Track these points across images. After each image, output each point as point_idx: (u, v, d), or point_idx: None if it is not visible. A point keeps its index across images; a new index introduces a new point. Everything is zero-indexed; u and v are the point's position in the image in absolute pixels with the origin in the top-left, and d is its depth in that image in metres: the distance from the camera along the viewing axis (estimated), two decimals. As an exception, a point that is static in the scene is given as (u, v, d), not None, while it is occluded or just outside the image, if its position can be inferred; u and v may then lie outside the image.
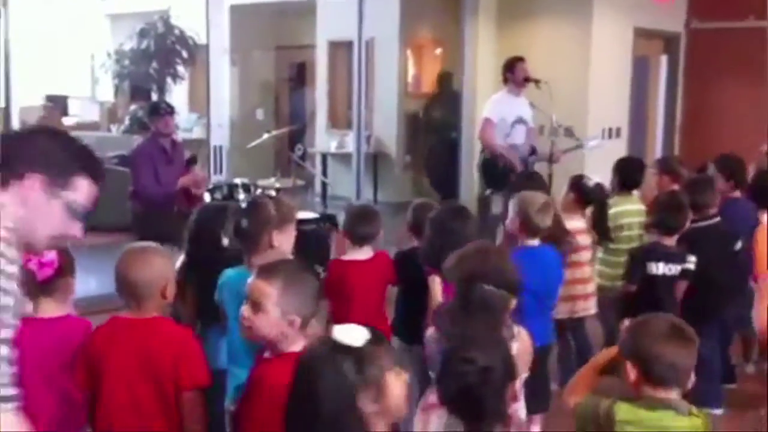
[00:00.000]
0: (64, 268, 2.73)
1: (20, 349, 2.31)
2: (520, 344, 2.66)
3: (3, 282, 1.71)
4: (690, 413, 2.25)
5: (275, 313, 2.25)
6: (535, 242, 3.73)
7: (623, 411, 2.22)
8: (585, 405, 2.33)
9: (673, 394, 2.23)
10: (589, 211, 4.64)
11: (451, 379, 2.10)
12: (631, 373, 2.24)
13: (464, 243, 3.48)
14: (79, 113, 13.39)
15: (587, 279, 4.49)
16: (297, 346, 2.27)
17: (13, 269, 1.75)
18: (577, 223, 4.41)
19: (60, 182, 1.87)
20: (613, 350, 2.42)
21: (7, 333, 1.73)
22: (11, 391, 1.72)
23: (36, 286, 2.66)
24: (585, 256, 4.49)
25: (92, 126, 12.72)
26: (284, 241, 3.17)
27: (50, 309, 2.71)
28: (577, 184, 4.52)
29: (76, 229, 1.92)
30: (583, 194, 4.49)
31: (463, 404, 2.08)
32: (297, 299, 2.28)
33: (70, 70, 13.71)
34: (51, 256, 2.68)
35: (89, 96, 14.03)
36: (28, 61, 11.61)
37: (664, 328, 2.26)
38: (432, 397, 2.57)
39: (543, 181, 4.70)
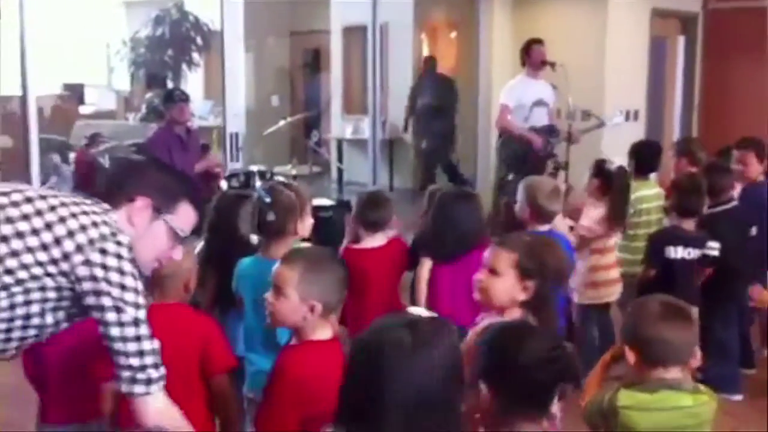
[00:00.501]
0: None
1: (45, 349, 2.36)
2: None
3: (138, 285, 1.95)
4: (695, 390, 2.23)
5: (295, 297, 2.26)
6: (545, 227, 3.71)
7: (624, 397, 2.21)
8: (591, 401, 2.32)
9: (674, 373, 2.20)
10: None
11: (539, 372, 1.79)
12: (630, 356, 2.23)
13: (464, 228, 3.49)
14: (96, 102, 13.45)
15: (611, 265, 4.42)
16: (322, 333, 2.29)
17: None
18: (601, 211, 4.35)
19: (166, 206, 2.07)
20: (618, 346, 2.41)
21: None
22: (163, 371, 2.00)
23: None
24: (609, 242, 4.42)
25: (109, 114, 12.79)
26: (304, 229, 3.19)
27: None
28: (600, 168, 4.38)
29: (176, 251, 2.13)
30: (607, 179, 4.36)
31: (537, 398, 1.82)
32: (318, 285, 2.29)
33: (86, 58, 13.76)
34: None
35: (105, 84, 14.08)
36: (45, 49, 11.68)
37: (657, 307, 2.25)
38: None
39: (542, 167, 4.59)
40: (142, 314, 1.94)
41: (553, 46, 7.14)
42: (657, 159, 4.98)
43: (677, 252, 4.09)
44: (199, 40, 11.56)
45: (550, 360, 1.77)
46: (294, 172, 5.96)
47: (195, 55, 11.70)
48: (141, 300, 1.94)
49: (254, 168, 5.72)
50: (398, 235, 3.89)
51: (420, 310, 1.75)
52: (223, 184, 5.58)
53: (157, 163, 2.21)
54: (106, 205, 2.01)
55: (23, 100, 5.65)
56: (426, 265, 3.61)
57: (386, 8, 8.46)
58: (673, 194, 4.20)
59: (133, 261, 1.94)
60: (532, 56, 6.85)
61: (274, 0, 11.44)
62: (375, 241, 3.79)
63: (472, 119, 9.05)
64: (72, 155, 8.27)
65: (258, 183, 5.45)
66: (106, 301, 1.89)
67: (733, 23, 9.30)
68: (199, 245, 3.36)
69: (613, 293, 4.45)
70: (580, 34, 8.41)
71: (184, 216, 2.11)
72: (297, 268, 2.30)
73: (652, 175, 5.15)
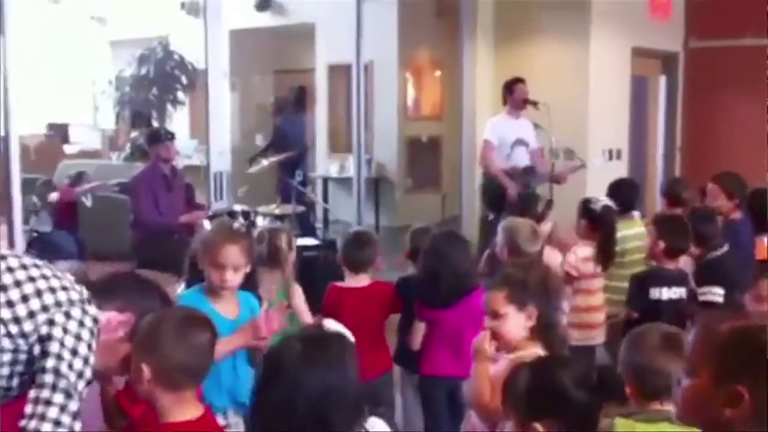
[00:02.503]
0: None
1: None
2: None
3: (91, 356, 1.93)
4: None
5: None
6: None
7: (621, 425, 2.17)
8: None
9: (671, 406, 2.16)
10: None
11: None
12: (628, 386, 2.21)
13: (459, 271, 3.49)
14: (81, 141, 13.42)
15: (598, 307, 4.41)
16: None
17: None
18: (587, 250, 4.35)
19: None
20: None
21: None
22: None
23: None
24: (596, 283, 4.41)
25: (94, 154, 12.75)
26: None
27: None
28: (586, 208, 4.42)
29: (119, 382, 2.17)
30: (593, 219, 4.39)
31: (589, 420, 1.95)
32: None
33: (71, 97, 13.76)
34: None
35: (91, 123, 14.06)
36: (30, 88, 11.67)
37: (656, 338, 2.23)
38: (474, 420, 2.54)
39: (534, 204, 4.63)
40: (81, 386, 1.90)
41: (535, 85, 7.20)
42: (634, 196, 4.99)
43: (662, 293, 4.05)
44: (183, 79, 11.58)
45: (592, 381, 1.91)
46: (278, 211, 5.94)
47: (180, 94, 11.71)
48: (88, 373, 1.91)
49: (237, 208, 5.69)
50: (380, 275, 3.88)
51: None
52: (206, 224, 5.54)
53: (159, 291, 2.26)
54: (82, 287, 2.02)
55: (5, 140, 5.60)
56: (420, 330, 3.60)
57: (371, 47, 8.51)
58: (656, 234, 4.18)
59: (94, 335, 1.94)
60: (514, 95, 6.90)
61: (259, 38, 11.49)
62: (359, 281, 3.79)
63: (457, 157, 9.08)
64: (53, 195, 8.22)
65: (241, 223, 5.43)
66: (49, 363, 1.86)
67: (713, 62, 9.41)
68: (181, 286, 3.33)
69: (598, 336, 4.43)
70: (562, 73, 8.48)
71: None
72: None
73: (637, 214, 5.17)
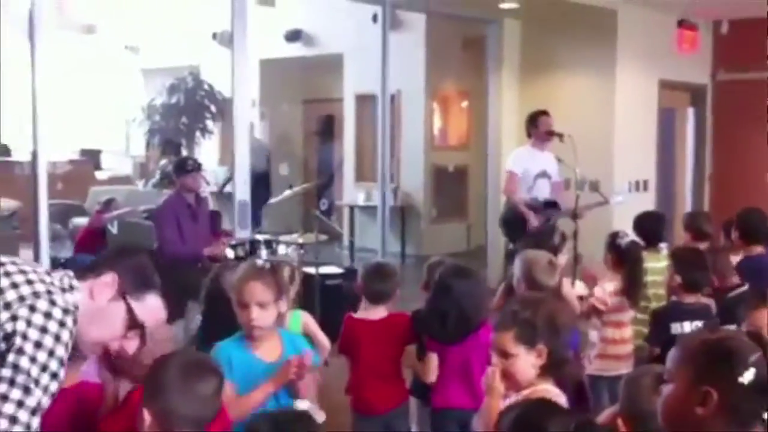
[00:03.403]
0: None
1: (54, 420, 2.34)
2: None
3: (59, 350, 1.81)
4: None
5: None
6: None
7: None
8: None
9: None
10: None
11: None
12: (623, 428, 2.19)
13: (464, 305, 3.47)
14: (113, 167, 13.63)
15: (627, 339, 4.36)
16: None
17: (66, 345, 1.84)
18: (615, 284, 4.31)
19: (133, 291, 1.98)
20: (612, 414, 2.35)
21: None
22: None
23: None
24: (625, 316, 4.35)
25: (125, 180, 12.93)
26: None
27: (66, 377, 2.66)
28: (613, 243, 4.40)
29: (130, 344, 1.98)
30: (620, 254, 4.36)
31: None
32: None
33: (104, 124, 14.00)
34: None
35: (122, 150, 14.29)
36: (62, 115, 11.88)
37: (650, 381, 2.19)
38: None
39: (550, 237, 4.60)
40: (45, 379, 1.80)
41: (561, 117, 7.20)
42: (660, 229, 4.95)
43: (683, 327, 4.01)
44: (213, 108, 11.73)
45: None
46: (300, 240, 5.97)
47: (209, 123, 11.86)
48: (54, 366, 1.80)
49: (260, 237, 5.72)
50: (403, 305, 3.88)
51: (305, 404, 2.01)
52: (229, 253, 5.58)
53: (148, 251, 2.13)
54: (64, 273, 1.94)
55: (33, 164, 5.70)
56: (434, 361, 3.59)
57: (398, 77, 8.58)
58: (674, 268, 4.13)
59: (64, 326, 1.84)
60: (538, 127, 6.91)
61: (289, 68, 11.63)
62: (376, 313, 3.78)
63: (483, 186, 9.08)
64: (76, 221, 8.35)
65: (263, 252, 5.47)
66: (9, 357, 1.77)
67: (741, 94, 9.34)
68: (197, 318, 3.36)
69: (626, 367, 4.39)
70: (588, 105, 8.48)
71: (150, 308, 2.01)
72: None
73: (665, 247, 5.11)
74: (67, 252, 8.33)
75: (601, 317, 4.26)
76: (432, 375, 3.58)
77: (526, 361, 2.50)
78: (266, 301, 2.80)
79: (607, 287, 4.29)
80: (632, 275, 4.31)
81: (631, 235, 4.50)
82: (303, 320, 3.81)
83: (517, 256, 3.83)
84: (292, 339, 2.96)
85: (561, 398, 2.49)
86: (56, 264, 7.81)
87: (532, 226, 6.36)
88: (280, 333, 2.92)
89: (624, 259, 4.33)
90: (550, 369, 2.52)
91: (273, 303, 2.82)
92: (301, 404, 1.97)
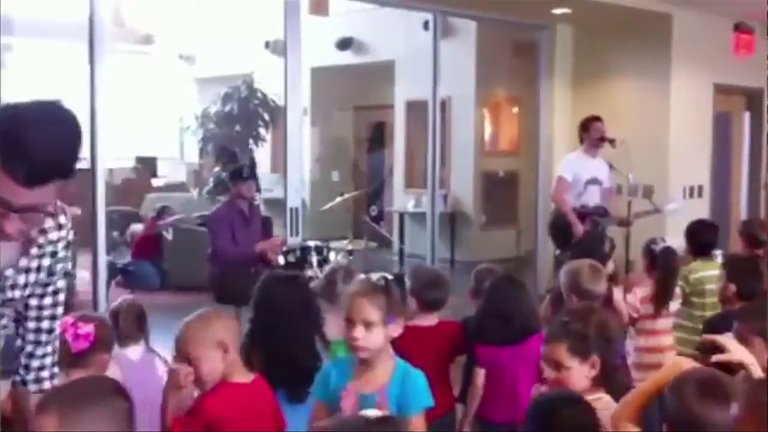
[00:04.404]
0: (101, 343, 2.69)
1: None
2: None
3: None
4: None
5: None
6: None
7: None
8: None
9: None
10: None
11: None
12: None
13: (516, 311, 3.48)
14: (168, 174, 13.89)
15: (663, 348, 4.28)
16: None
17: None
18: (648, 290, 4.26)
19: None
20: (672, 371, 2.30)
21: None
22: None
23: (70, 357, 2.61)
24: (660, 324, 4.29)
25: (179, 187, 13.16)
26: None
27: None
28: (647, 249, 4.36)
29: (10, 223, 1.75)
30: (653, 260, 4.30)
31: None
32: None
33: (160, 132, 14.29)
34: (88, 328, 2.66)
35: (177, 157, 14.56)
36: (120, 124, 12.15)
37: (693, 386, 2.14)
38: None
39: (600, 245, 4.57)
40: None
41: (615, 122, 7.15)
42: (712, 237, 4.86)
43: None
44: (266, 116, 11.88)
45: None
46: (350, 247, 6.02)
47: (262, 131, 12.01)
48: None
49: (311, 243, 5.79)
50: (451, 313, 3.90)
51: (374, 413, 1.87)
52: (281, 259, 5.65)
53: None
54: None
55: (92, 173, 5.84)
56: (481, 376, 3.61)
57: (449, 84, 8.60)
58: (727, 277, 4.07)
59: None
60: (590, 133, 6.87)
61: (340, 75, 11.73)
62: (428, 320, 3.79)
63: (533, 193, 9.04)
64: (139, 227, 8.53)
65: (314, 258, 5.53)
66: None
67: (800, 98, 9.16)
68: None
69: None
70: (642, 110, 8.40)
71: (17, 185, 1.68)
72: None
73: (719, 254, 5.03)
74: (124, 258, 8.52)
75: (635, 325, 4.22)
76: (478, 391, 3.59)
77: (580, 373, 2.52)
78: (373, 320, 2.59)
79: (638, 293, 4.25)
80: (663, 281, 4.25)
81: (668, 242, 4.44)
82: None
83: (562, 269, 3.82)
84: (407, 371, 2.69)
85: (613, 406, 2.49)
86: (116, 271, 8.02)
87: (577, 234, 6.33)
88: (397, 363, 2.69)
89: (656, 266, 4.27)
90: (603, 378, 2.53)
91: (380, 324, 2.59)
92: (370, 412, 1.92)
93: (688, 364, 2.34)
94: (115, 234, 8.48)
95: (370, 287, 2.66)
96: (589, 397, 2.48)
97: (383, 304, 2.61)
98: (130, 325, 3.34)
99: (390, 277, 2.73)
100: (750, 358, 2.48)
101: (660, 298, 4.22)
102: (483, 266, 4.09)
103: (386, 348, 2.66)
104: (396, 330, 2.67)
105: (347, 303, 2.63)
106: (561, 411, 2.19)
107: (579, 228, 6.45)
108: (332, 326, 3.62)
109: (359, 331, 2.57)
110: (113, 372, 3.22)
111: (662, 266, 4.25)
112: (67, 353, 2.61)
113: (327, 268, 3.94)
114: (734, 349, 2.44)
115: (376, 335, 2.59)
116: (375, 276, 2.76)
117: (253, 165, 7.33)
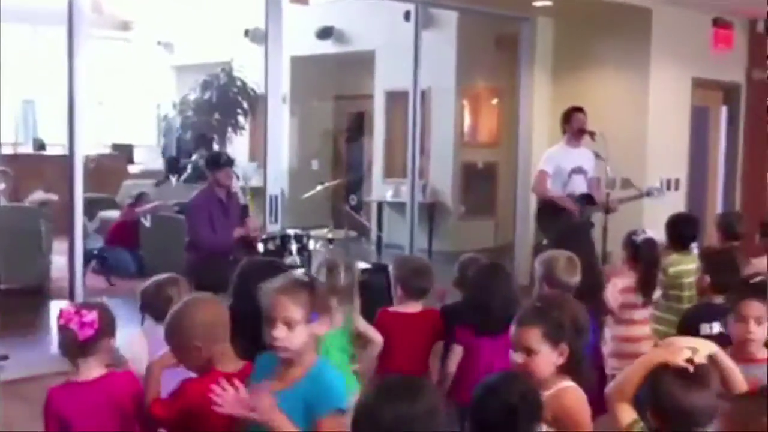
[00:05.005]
0: (106, 328, 2.74)
1: (67, 416, 2.44)
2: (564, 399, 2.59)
3: None
4: None
5: None
6: None
7: None
8: None
9: None
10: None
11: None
12: (654, 421, 2.21)
13: (499, 300, 3.52)
14: (144, 161, 13.78)
15: (640, 338, 4.32)
16: None
17: None
18: (627, 281, 4.30)
19: None
20: (668, 354, 2.34)
21: None
22: None
23: (77, 346, 2.69)
24: (639, 314, 4.34)
25: (157, 174, 13.06)
26: None
27: (91, 370, 2.73)
28: (629, 240, 4.38)
29: None
30: (635, 251, 4.34)
31: None
32: None
33: (137, 119, 14.18)
34: (92, 315, 2.71)
35: (155, 145, 14.44)
36: (98, 110, 12.03)
37: (671, 377, 2.20)
38: None
39: (583, 233, 4.61)
40: None
41: (594, 114, 7.18)
42: (692, 231, 4.90)
43: (713, 328, 3.98)
44: (245, 104, 11.83)
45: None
46: (330, 236, 6.02)
47: (241, 119, 11.96)
48: None
49: (290, 231, 5.78)
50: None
51: None
52: (260, 247, 5.64)
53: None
54: None
55: (70, 159, 5.80)
56: (458, 352, 3.64)
57: (429, 74, 8.60)
58: (703, 269, 4.10)
59: None
60: (571, 124, 6.90)
61: (320, 64, 11.69)
62: (412, 307, 3.85)
63: (512, 184, 9.07)
64: (103, 214, 8.47)
65: (294, 246, 5.52)
66: None
67: (776, 94, 9.24)
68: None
69: None
70: (620, 103, 8.44)
71: None
72: None
73: (696, 248, 5.08)
74: (93, 244, 8.43)
75: (613, 315, 4.25)
76: (453, 365, 3.62)
77: (549, 358, 2.53)
78: (293, 319, 2.45)
79: (619, 284, 4.29)
80: (646, 272, 4.29)
81: (648, 233, 4.47)
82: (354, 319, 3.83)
83: (538, 258, 3.85)
84: (321, 373, 2.50)
85: (583, 396, 2.51)
86: (90, 257, 7.95)
87: (572, 209, 6.38)
88: (316, 362, 2.54)
89: (639, 256, 4.31)
90: (568, 368, 2.54)
91: (303, 322, 2.46)
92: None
93: (684, 342, 2.37)
94: (84, 219, 8.40)
95: (291, 284, 2.52)
96: (557, 385, 2.51)
97: (306, 301, 2.48)
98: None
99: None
100: (713, 347, 2.52)
101: (645, 289, 4.25)
102: (468, 256, 4.13)
103: (309, 346, 2.52)
104: (320, 328, 2.55)
105: (267, 301, 2.48)
106: (506, 387, 2.22)
107: (572, 206, 6.51)
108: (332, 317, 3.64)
109: (280, 331, 2.43)
110: (141, 345, 3.27)
111: (645, 257, 4.28)
112: (74, 342, 2.68)
113: (320, 260, 3.95)
114: (699, 346, 2.47)
115: (298, 334, 2.44)
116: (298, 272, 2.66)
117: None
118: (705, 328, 3.93)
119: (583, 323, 2.61)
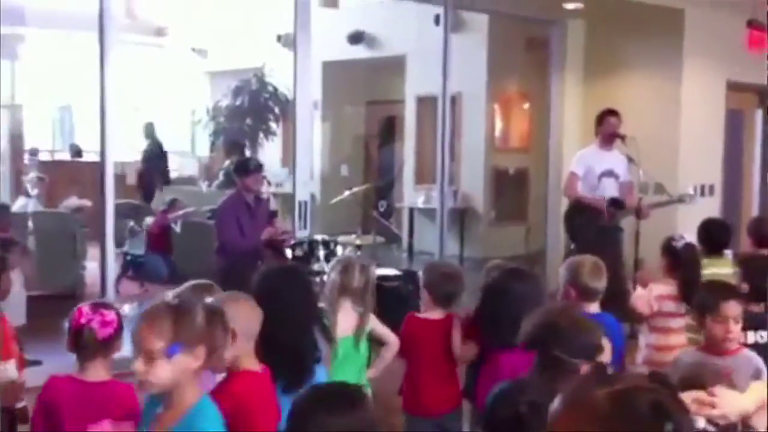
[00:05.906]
0: (121, 328, 2.79)
1: (59, 407, 2.45)
2: None
3: None
4: None
5: None
6: (593, 308, 3.61)
7: None
8: None
9: None
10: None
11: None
12: None
13: (520, 306, 3.44)
14: (178, 168, 13.91)
15: (674, 346, 4.20)
16: None
17: None
18: (666, 288, 4.21)
19: None
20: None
21: None
22: None
23: (95, 344, 2.72)
24: (676, 323, 4.23)
25: (190, 181, 13.18)
26: None
27: (98, 373, 2.78)
28: (668, 246, 4.30)
29: None
30: (675, 257, 4.25)
31: None
32: None
33: (171, 125, 14.31)
34: (112, 315, 2.76)
35: (188, 151, 14.57)
36: (132, 116, 12.17)
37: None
38: None
39: (611, 238, 4.52)
40: None
41: (626, 118, 7.09)
42: (725, 237, 4.81)
43: (748, 337, 3.89)
44: (276, 110, 11.88)
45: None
46: (358, 242, 6.01)
47: (272, 124, 12.01)
48: None
49: (318, 237, 5.78)
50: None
51: None
52: (288, 253, 5.66)
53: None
54: None
55: (101, 165, 5.86)
56: (472, 349, 3.64)
57: (460, 79, 8.57)
58: (742, 276, 4.01)
59: None
60: (603, 127, 6.84)
61: (351, 70, 11.70)
62: (437, 314, 3.81)
63: (543, 189, 9.01)
64: (149, 219, 8.54)
65: (321, 252, 5.52)
66: None
67: (813, 96, 9.07)
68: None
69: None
70: (653, 106, 8.34)
71: None
72: None
73: (729, 254, 4.99)
74: (140, 250, 8.55)
75: (648, 322, 4.18)
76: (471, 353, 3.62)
77: None
78: (155, 350, 2.11)
79: (654, 290, 4.21)
80: (688, 278, 4.17)
81: (687, 238, 4.39)
82: (373, 321, 3.82)
83: (564, 263, 3.79)
84: (196, 417, 2.17)
85: None
86: (128, 264, 8.05)
87: (601, 208, 6.31)
88: (196, 403, 2.20)
89: (679, 262, 4.22)
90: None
91: (164, 355, 2.11)
92: None
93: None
94: (132, 224, 8.50)
95: (153, 311, 2.18)
96: None
97: (169, 330, 2.12)
98: None
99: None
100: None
101: (689, 295, 4.16)
102: (495, 262, 4.07)
103: (187, 382, 2.18)
104: (191, 362, 2.15)
105: (134, 329, 2.19)
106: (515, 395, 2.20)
107: (601, 204, 6.44)
108: (342, 322, 3.64)
109: (138, 364, 2.12)
110: None
111: (686, 262, 4.20)
112: (93, 340, 2.71)
113: (334, 261, 3.92)
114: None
115: (160, 368, 2.12)
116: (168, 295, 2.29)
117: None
118: (752, 336, 3.82)
119: (567, 330, 2.53)
